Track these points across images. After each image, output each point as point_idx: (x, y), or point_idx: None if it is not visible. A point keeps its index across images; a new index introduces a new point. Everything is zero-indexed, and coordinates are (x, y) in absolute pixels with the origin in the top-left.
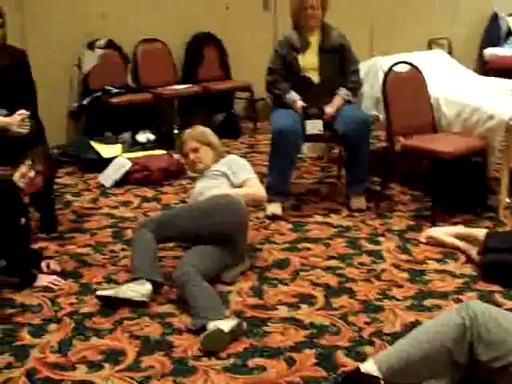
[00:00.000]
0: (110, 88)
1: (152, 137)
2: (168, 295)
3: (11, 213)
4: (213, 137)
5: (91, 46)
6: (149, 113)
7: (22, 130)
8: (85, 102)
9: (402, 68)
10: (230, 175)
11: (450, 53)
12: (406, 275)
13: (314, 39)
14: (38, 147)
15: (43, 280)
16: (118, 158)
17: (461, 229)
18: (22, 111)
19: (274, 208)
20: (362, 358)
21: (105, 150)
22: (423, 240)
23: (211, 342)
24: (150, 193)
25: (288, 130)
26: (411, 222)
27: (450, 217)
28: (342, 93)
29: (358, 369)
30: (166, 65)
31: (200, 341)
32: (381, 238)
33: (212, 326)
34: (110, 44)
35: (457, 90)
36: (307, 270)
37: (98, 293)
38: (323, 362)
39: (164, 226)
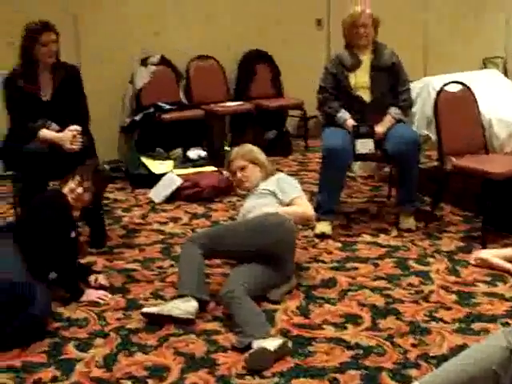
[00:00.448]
0: (163, 104)
1: (203, 153)
2: (214, 312)
3: (61, 226)
4: (261, 155)
5: (144, 62)
6: (200, 129)
7: (73, 147)
8: (137, 118)
9: (454, 88)
10: (279, 193)
11: (504, 72)
12: (454, 297)
13: (366, 58)
14: (87, 163)
15: (91, 295)
16: (168, 174)
17: (511, 251)
18: (74, 127)
19: (323, 227)
20: (407, 380)
21: (156, 166)
22: (472, 262)
23: (256, 360)
24: (199, 209)
25: (338, 148)
26: (461, 243)
27: (501, 239)
28: (393, 112)
29: None
30: (219, 82)
31: (245, 359)
32: (430, 259)
33: (257, 344)
34: (163, 60)
35: (509, 110)
36: (354, 289)
37: (144, 310)
38: (368, 383)
39: (212, 242)
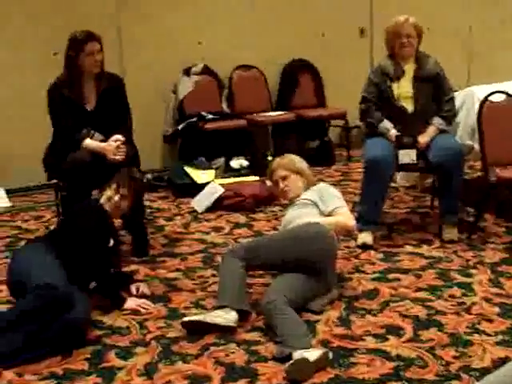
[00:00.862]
0: (205, 114)
1: (245, 163)
2: (255, 322)
3: (98, 235)
4: (302, 165)
5: (187, 71)
6: (243, 139)
7: (117, 157)
8: (180, 128)
9: (498, 97)
10: (320, 204)
11: None
12: (497, 309)
13: (409, 67)
14: (123, 170)
15: (132, 303)
16: (210, 183)
17: None
18: (117, 137)
19: (365, 237)
20: None
21: (198, 175)
22: None
23: (296, 371)
24: (241, 219)
25: (381, 159)
26: (505, 255)
27: None
28: (436, 122)
29: None
30: (261, 91)
31: (285, 369)
32: (472, 271)
33: (298, 354)
34: (206, 70)
35: None
36: (396, 300)
37: (185, 319)
38: None
39: (252, 253)
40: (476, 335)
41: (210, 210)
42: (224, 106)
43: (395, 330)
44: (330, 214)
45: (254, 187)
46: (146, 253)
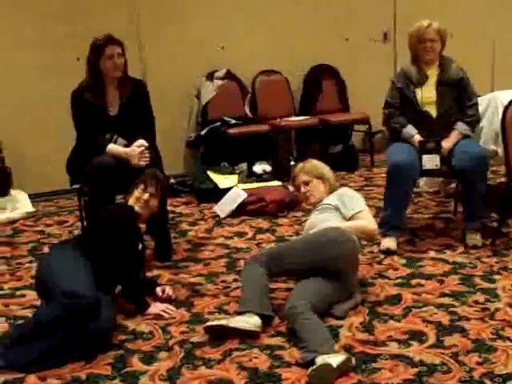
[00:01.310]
0: (228, 119)
1: (268, 168)
2: (278, 327)
3: (130, 239)
4: (325, 170)
5: (210, 76)
6: (266, 144)
7: (141, 163)
8: (203, 132)
9: None
10: (342, 208)
11: None
12: None
13: (433, 72)
14: (148, 171)
15: (156, 308)
16: (233, 188)
17: None
18: (141, 142)
19: (389, 242)
20: None
21: (221, 180)
22: None
23: (319, 376)
24: (264, 224)
25: (404, 164)
26: None
27: None
28: (460, 127)
29: None
30: (284, 96)
31: (308, 375)
32: (496, 276)
33: (320, 360)
34: (229, 75)
35: None
36: (419, 306)
37: (208, 324)
38: None
39: (273, 260)
40: (500, 341)
41: (232, 215)
42: (247, 110)
43: (418, 336)
44: (351, 218)
45: (277, 192)
46: (169, 258)
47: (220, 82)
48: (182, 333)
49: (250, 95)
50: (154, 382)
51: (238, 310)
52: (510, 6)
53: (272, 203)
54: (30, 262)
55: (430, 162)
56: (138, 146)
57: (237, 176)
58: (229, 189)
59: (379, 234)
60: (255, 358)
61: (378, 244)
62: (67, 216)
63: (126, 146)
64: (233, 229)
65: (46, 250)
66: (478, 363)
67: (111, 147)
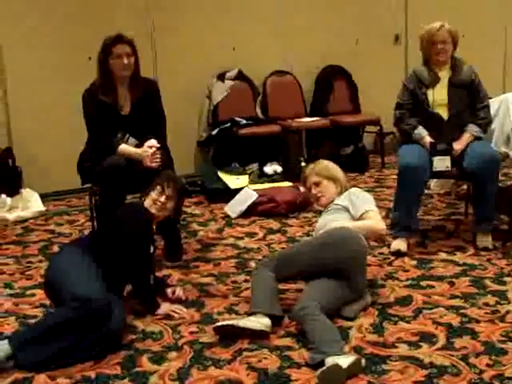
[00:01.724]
0: (239, 119)
1: (279, 169)
2: (288, 328)
3: (144, 240)
4: (335, 171)
5: (221, 77)
6: (276, 145)
7: (153, 164)
8: (214, 133)
9: None
10: (351, 208)
11: None
12: None
13: (444, 74)
14: (164, 173)
15: (166, 308)
16: (244, 189)
17: None
18: (153, 142)
19: (399, 244)
20: None
21: (232, 180)
22: None
23: (328, 377)
24: (275, 224)
25: (415, 165)
26: None
27: None
28: (471, 129)
29: None
30: (295, 97)
31: (317, 376)
32: (507, 279)
33: (330, 361)
34: (240, 75)
35: None
36: (430, 308)
37: (218, 324)
38: None
39: (284, 264)
40: (510, 343)
41: (243, 215)
42: (258, 111)
43: (428, 338)
44: (359, 219)
45: (288, 193)
46: (179, 258)
47: (231, 83)
48: (192, 333)
49: (261, 96)
50: (163, 381)
51: (248, 311)
52: None
53: (283, 204)
54: (41, 261)
55: (441, 163)
56: (150, 147)
57: (247, 176)
58: (239, 189)
59: (390, 235)
60: (265, 358)
61: (389, 245)
62: (78, 215)
63: (137, 145)
64: (243, 229)
65: (56, 249)
66: (488, 365)
67: (123, 147)
